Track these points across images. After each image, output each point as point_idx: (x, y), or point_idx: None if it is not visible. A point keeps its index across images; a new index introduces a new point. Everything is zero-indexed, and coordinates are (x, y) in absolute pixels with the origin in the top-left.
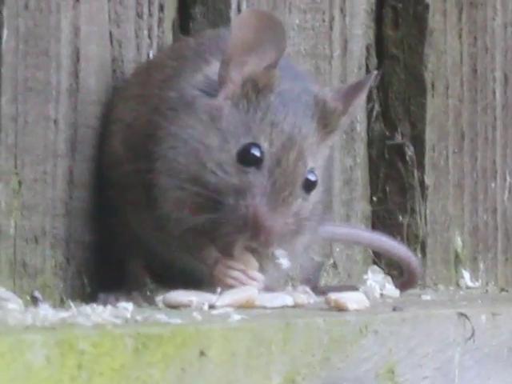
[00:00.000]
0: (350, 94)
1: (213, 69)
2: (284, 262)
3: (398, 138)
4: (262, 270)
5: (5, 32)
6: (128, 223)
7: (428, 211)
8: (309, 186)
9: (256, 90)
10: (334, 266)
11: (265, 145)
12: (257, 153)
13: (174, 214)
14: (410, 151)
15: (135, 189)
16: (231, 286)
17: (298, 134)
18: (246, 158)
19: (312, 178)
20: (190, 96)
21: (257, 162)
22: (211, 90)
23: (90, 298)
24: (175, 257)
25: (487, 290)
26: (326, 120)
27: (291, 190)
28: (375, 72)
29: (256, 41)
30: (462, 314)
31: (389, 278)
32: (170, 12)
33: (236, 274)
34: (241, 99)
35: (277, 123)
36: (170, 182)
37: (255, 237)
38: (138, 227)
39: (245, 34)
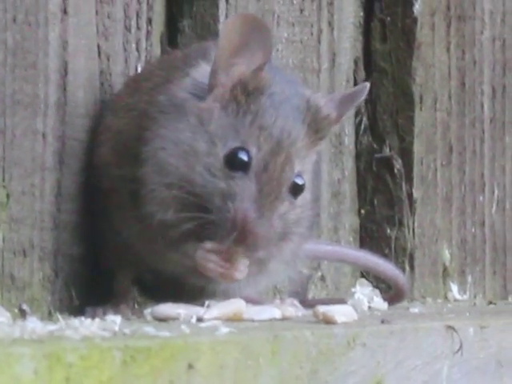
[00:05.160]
0: (344, 103)
1: (201, 72)
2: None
3: (386, 151)
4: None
5: None
6: (113, 227)
7: (416, 224)
8: (296, 189)
9: (246, 92)
10: (322, 278)
11: (253, 149)
12: (244, 157)
13: (158, 214)
14: (398, 164)
15: (121, 189)
16: (212, 271)
17: (287, 139)
18: (234, 163)
19: (299, 181)
20: (180, 99)
21: (244, 167)
22: (200, 93)
23: (78, 310)
24: (159, 259)
25: (475, 303)
26: (317, 125)
27: (277, 195)
28: (367, 83)
29: (243, 44)
30: (449, 327)
31: (377, 291)
32: (158, 25)
33: (215, 257)
34: (230, 102)
35: (266, 127)
36: (158, 180)
37: (242, 241)
38: (121, 228)
39: (232, 38)
